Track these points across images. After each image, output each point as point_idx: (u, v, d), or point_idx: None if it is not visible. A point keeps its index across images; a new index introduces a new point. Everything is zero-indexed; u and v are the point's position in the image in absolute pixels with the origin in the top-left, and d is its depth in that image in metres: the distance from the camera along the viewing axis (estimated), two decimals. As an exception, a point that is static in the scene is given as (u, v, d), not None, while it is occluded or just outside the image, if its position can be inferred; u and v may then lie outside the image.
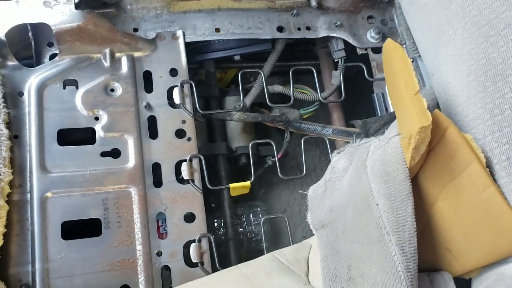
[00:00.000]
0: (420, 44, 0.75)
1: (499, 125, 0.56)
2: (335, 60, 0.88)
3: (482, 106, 0.59)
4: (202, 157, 0.75)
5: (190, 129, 0.76)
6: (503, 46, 0.55)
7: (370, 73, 0.84)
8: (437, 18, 0.66)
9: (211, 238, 0.71)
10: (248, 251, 0.91)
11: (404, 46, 0.85)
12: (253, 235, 0.90)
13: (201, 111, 0.78)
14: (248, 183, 0.77)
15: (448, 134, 0.56)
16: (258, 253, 0.92)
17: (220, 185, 0.84)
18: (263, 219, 0.77)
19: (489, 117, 0.58)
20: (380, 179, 0.53)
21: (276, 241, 0.94)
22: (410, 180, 0.52)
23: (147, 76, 0.78)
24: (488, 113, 0.58)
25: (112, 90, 0.75)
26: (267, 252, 0.69)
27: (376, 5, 0.88)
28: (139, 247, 0.68)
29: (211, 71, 0.90)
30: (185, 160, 0.74)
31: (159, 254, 0.69)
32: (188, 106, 0.77)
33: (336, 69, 0.89)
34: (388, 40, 0.61)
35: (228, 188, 0.79)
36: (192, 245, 0.70)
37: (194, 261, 0.70)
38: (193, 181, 0.74)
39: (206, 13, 0.83)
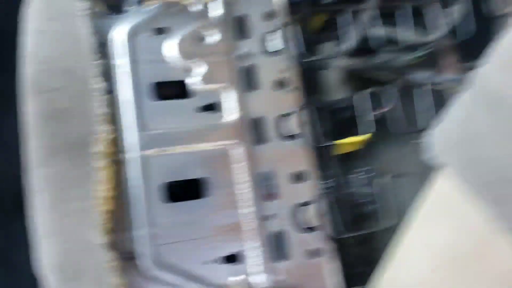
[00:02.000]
0: None
1: None
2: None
3: None
4: (310, 108, 0.68)
5: (294, 77, 0.69)
6: None
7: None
8: None
9: (327, 199, 0.65)
10: (352, 215, 0.85)
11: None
12: (357, 199, 0.83)
13: (304, 58, 0.71)
14: (363, 137, 0.70)
15: None
16: (363, 218, 0.86)
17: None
18: (377, 180, 0.70)
19: None
20: None
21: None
22: None
23: (243, 21, 0.71)
24: None
25: (206, 38, 0.68)
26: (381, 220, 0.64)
27: None
28: (245, 211, 0.63)
29: (307, 14, 0.82)
30: (290, 113, 0.68)
31: (267, 218, 0.64)
32: (290, 51, 0.70)
33: (446, 6, 0.80)
34: None
35: (336, 145, 0.72)
36: (306, 208, 0.64)
37: (308, 226, 0.64)
38: (300, 136, 0.67)
39: None
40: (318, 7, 0.85)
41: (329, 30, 0.87)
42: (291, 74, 0.69)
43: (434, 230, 0.56)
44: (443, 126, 0.59)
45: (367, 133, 0.71)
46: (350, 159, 0.86)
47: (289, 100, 0.69)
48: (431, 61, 0.91)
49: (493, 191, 0.50)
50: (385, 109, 0.77)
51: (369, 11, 0.78)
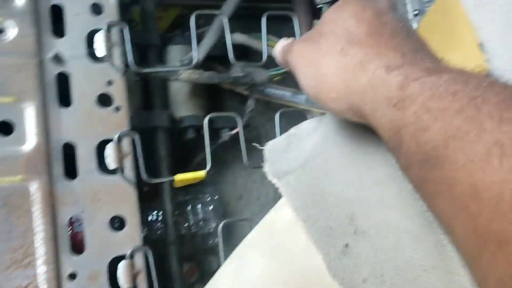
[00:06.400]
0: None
1: None
2: (317, 6, 0.70)
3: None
4: (137, 136, 0.56)
5: (119, 94, 0.56)
6: None
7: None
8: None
9: (148, 252, 0.54)
10: (194, 249, 0.75)
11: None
12: (200, 230, 0.73)
13: (135, 68, 0.58)
14: (202, 173, 0.59)
15: None
16: (207, 252, 0.76)
17: (158, 169, 0.65)
18: (221, 225, 0.60)
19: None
20: None
21: (229, 235, 0.77)
22: None
23: (56, 12, 0.56)
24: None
25: (1, 31, 0.53)
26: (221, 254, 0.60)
27: None
28: (41, 269, 0.50)
29: (149, 10, 0.69)
30: (111, 140, 0.55)
31: (72, 276, 0.51)
32: (117, 59, 0.57)
33: (318, 18, 0.72)
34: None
35: (172, 181, 0.60)
36: (122, 263, 0.53)
37: (124, 286, 0.52)
38: (122, 170, 0.55)
39: None
40: (164, 1, 0.73)
41: (182, 29, 0.75)
42: (118, 89, 0.56)
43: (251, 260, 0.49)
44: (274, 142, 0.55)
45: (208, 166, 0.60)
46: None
47: (113, 122, 0.56)
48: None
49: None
50: (237, 130, 0.68)
51: (229, 12, 0.68)
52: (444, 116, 0.30)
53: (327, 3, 0.69)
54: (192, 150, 0.71)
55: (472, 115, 0.28)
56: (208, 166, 0.59)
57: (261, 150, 0.55)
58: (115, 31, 0.57)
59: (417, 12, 0.66)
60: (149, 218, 0.70)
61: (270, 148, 0.56)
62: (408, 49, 0.38)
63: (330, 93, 0.40)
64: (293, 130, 0.57)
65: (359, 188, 0.46)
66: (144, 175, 0.56)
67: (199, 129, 0.69)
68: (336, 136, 0.50)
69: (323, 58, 0.40)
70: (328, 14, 0.43)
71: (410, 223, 0.43)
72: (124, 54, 0.57)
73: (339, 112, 0.41)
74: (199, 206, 0.71)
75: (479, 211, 0.27)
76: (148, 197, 0.69)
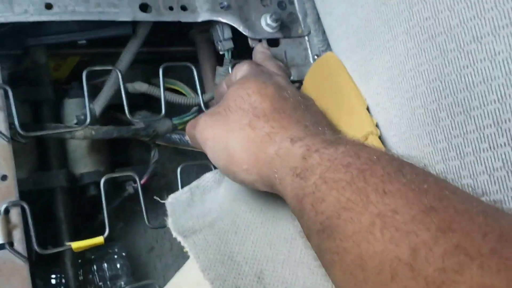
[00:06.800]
0: (337, 45, 0.60)
1: (455, 173, 0.44)
2: (220, 53, 0.70)
3: (431, 144, 0.46)
4: (26, 206, 0.52)
5: (5, 162, 0.52)
6: (468, 67, 0.42)
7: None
8: (367, 14, 0.51)
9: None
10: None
11: (307, 40, 0.69)
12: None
13: (22, 132, 0.54)
14: (100, 239, 0.56)
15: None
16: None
17: (58, 231, 0.62)
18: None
19: (440, 160, 0.46)
20: None
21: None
22: None
23: None
24: (440, 154, 0.46)
25: None
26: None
27: (272, -19, 0.70)
28: None
29: (41, 62, 0.65)
30: (-2, 213, 0.51)
31: None
32: (2, 124, 0.53)
33: (220, 64, 0.71)
34: (330, 54, 0.57)
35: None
36: None
37: None
38: (11, 244, 0.51)
39: (30, -22, 0.58)
40: (60, 51, 0.70)
41: (78, 82, 0.72)
42: (3, 157, 0.52)
43: None
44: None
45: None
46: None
47: (-1, 192, 0.52)
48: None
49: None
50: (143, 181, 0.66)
51: (125, 65, 0.66)
52: (337, 187, 0.31)
53: (228, 50, 0.69)
54: (97, 207, 0.68)
55: (360, 187, 0.30)
56: (106, 232, 0.56)
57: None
58: (-3, 94, 0.54)
59: (317, 57, 0.68)
60: (53, 281, 0.66)
61: (172, 202, 0.55)
62: (309, 122, 0.40)
63: (241, 165, 0.41)
64: (195, 182, 0.57)
65: (267, 245, 0.46)
66: (35, 247, 0.52)
67: (100, 185, 0.66)
68: (244, 194, 0.50)
69: (231, 132, 0.42)
70: (234, 90, 0.44)
71: (315, 279, 0.43)
72: (10, 117, 0.54)
73: (250, 183, 0.42)
74: (105, 265, 0.68)
75: (365, 280, 0.27)
76: (50, 258, 0.65)
